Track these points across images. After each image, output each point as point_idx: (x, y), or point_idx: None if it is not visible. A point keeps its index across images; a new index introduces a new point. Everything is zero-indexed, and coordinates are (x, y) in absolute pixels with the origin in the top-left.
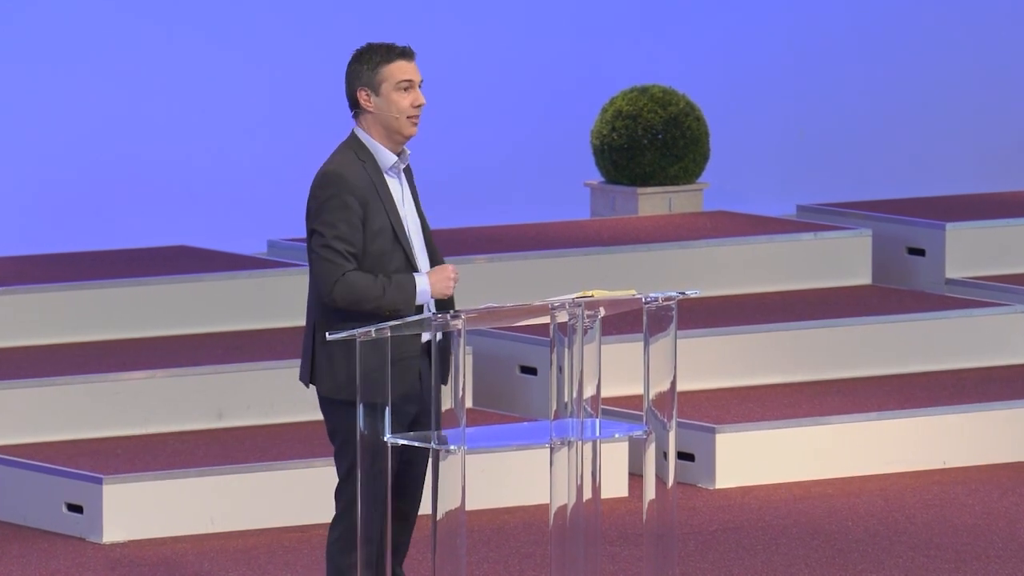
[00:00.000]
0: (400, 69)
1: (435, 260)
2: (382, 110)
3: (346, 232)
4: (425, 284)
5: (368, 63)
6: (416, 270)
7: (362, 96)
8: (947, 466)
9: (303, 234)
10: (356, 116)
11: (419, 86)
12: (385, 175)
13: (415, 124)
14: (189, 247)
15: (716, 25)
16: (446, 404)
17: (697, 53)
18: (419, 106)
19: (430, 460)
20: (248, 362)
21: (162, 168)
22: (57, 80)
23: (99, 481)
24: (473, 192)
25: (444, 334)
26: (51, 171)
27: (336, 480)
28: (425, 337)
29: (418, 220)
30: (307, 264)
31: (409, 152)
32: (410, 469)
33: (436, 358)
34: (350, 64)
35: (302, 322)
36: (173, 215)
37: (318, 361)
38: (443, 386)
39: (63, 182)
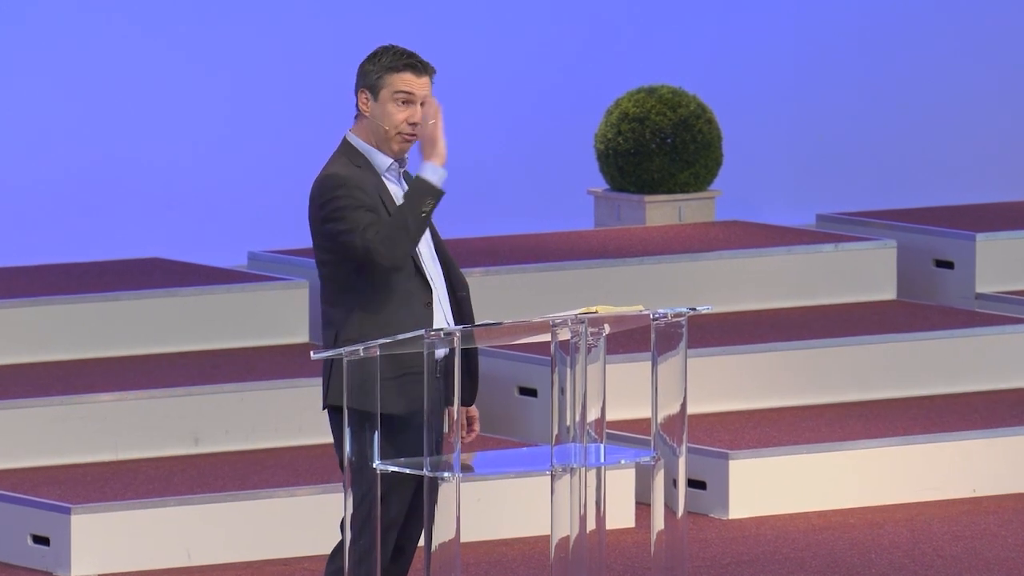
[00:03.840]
0: (403, 80)
1: (449, 268)
2: (376, 118)
3: (366, 204)
4: (427, 169)
5: (376, 64)
6: (423, 276)
7: (362, 98)
8: (977, 495)
9: (285, 245)
10: (355, 119)
11: (423, 104)
12: (384, 178)
13: (406, 142)
14: (163, 259)
15: (728, 21)
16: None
17: (708, 51)
18: (414, 124)
19: (424, 488)
20: (227, 383)
21: (135, 175)
22: (23, 83)
23: (67, 511)
24: (469, 200)
25: (451, 351)
26: (14, 178)
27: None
28: (439, 354)
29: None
30: (292, 278)
31: (407, 157)
32: (418, 499)
33: (434, 379)
34: (363, 61)
35: (283, 340)
36: (146, 225)
37: (333, 373)
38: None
39: (27, 190)
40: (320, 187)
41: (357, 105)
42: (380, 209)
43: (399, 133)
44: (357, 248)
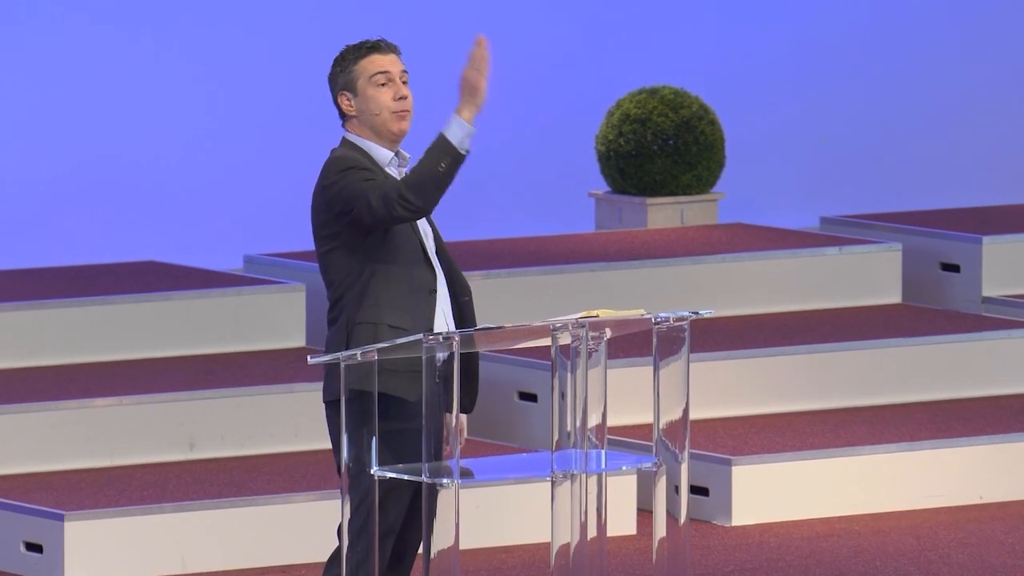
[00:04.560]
0: (373, 63)
1: (451, 272)
2: (364, 111)
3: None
4: (452, 125)
5: (342, 64)
6: (430, 265)
7: (343, 101)
8: (984, 501)
9: (281, 248)
10: (344, 123)
11: (402, 79)
12: (386, 171)
13: (403, 119)
14: (158, 263)
15: (731, 21)
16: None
17: (711, 51)
18: (402, 99)
19: (424, 495)
20: (222, 388)
21: (129, 176)
22: (14, 85)
23: (60, 518)
24: (468, 203)
25: (450, 355)
26: (7, 180)
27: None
28: (439, 357)
29: (428, 227)
30: (288, 281)
31: (408, 156)
32: (416, 504)
33: (433, 385)
34: (329, 71)
35: (280, 344)
36: (141, 228)
37: (336, 371)
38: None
39: (20, 192)
40: (333, 163)
41: (342, 112)
42: None
43: (393, 113)
44: (378, 194)
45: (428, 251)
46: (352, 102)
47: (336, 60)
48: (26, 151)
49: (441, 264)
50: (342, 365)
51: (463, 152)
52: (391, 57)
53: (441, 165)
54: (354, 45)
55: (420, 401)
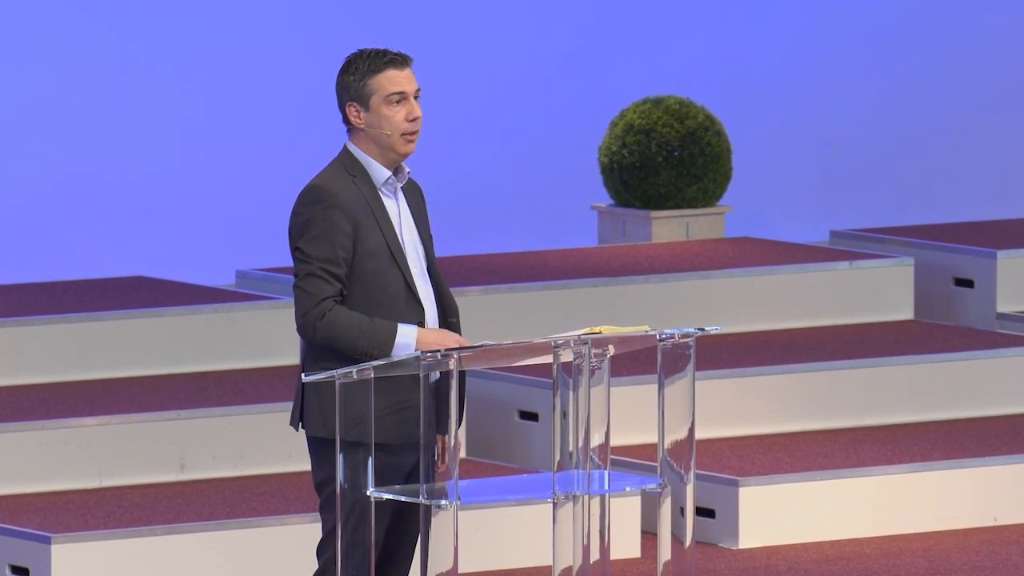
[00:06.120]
0: (390, 80)
1: (440, 291)
2: (373, 126)
3: (333, 253)
4: (411, 337)
5: (355, 74)
6: (415, 296)
7: (351, 112)
8: (999, 523)
9: (274, 263)
10: (349, 131)
11: (415, 96)
12: (380, 192)
13: (411, 141)
14: (148, 278)
15: (738, 29)
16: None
17: (717, 61)
18: (414, 120)
19: (421, 516)
20: (214, 407)
21: (118, 190)
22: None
23: (47, 540)
24: (468, 216)
25: (443, 375)
26: None
27: (318, 535)
28: (434, 377)
29: (420, 246)
30: (281, 297)
31: (408, 170)
32: (401, 526)
33: (431, 402)
34: (338, 75)
35: (273, 362)
36: (130, 242)
37: (308, 399)
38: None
39: (5, 206)
40: (301, 198)
41: (348, 120)
42: (360, 230)
43: (403, 134)
44: (300, 295)
45: (413, 283)
46: (362, 116)
47: (348, 66)
48: (13, 165)
49: (432, 284)
50: (337, 384)
51: (390, 355)
52: (407, 73)
53: (361, 346)
54: (369, 54)
55: (400, 443)
